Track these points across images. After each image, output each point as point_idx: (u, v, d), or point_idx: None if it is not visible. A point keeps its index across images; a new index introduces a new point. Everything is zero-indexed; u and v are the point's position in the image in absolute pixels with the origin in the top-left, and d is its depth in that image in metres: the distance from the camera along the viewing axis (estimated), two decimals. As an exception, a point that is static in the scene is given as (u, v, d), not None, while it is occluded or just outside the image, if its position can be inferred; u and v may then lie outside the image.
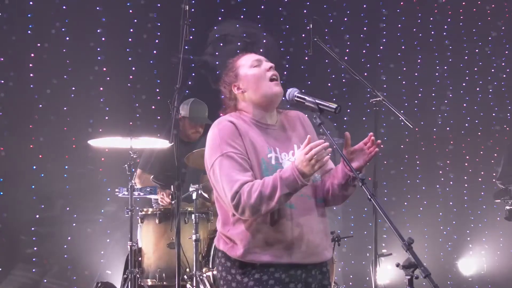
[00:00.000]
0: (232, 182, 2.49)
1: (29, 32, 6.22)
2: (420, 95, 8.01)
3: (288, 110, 2.86)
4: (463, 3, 8.25)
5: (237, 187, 2.48)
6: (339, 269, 7.00)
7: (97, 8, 6.50)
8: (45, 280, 6.08)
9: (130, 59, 6.64)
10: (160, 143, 4.94)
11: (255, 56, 2.78)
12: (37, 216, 6.12)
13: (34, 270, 6.07)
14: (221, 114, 2.81)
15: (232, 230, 2.62)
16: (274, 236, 2.56)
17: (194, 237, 4.55)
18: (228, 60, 2.84)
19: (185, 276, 4.57)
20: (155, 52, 6.75)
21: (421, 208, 7.85)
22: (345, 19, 7.73)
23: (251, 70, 2.72)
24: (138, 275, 4.63)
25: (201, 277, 4.48)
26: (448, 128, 8.10)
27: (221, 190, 2.55)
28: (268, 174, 2.54)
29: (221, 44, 6.80)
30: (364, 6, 7.83)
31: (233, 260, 2.62)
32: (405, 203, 7.79)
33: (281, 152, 2.66)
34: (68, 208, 6.22)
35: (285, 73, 7.13)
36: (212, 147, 2.61)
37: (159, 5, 6.83)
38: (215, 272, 4.39)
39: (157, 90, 6.72)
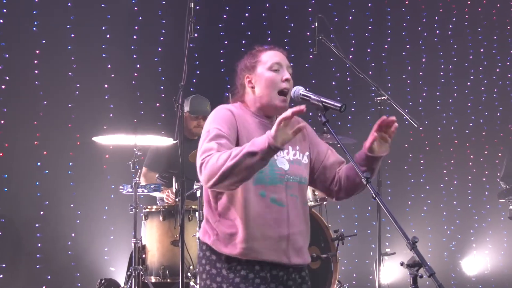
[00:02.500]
0: (206, 151, 2.47)
1: (34, 29, 6.21)
2: (424, 94, 8.00)
3: None
4: (468, 2, 8.23)
5: (208, 153, 2.45)
6: (343, 268, 6.99)
7: (102, 5, 6.49)
8: (49, 277, 6.09)
9: (134, 56, 6.64)
10: (164, 141, 4.94)
11: (278, 57, 2.70)
12: (41, 212, 6.13)
13: (38, 266, 6.08)
14: (226, 94, 2.79)
15: (219, 224, 2.58)
16: (263, 232, 2.54)
17: (197, 234, 4.55)
18: (254, 45, 2.77)
19: (189, 274, 4.58)
20: (159, 49, 6.74)
21: (425, 208, 7.84)
22: (350, 17, 7.72)
23: (268, 73, 2.66)
24: (141, 272, 4.63)
25: (204, 274, 4.48)
26: (452, 128, 8.08)
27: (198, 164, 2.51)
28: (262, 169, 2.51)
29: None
30: (369, 5, 7.82)
31: (219, 254, 2.58)
32: (409, 202, 7.78)
33: None
34: (72, 205, 6.22)
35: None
36: (203, 130, 2.60)
37: (164, 2, 6.83)
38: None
39: (162, 87, 6.72)
